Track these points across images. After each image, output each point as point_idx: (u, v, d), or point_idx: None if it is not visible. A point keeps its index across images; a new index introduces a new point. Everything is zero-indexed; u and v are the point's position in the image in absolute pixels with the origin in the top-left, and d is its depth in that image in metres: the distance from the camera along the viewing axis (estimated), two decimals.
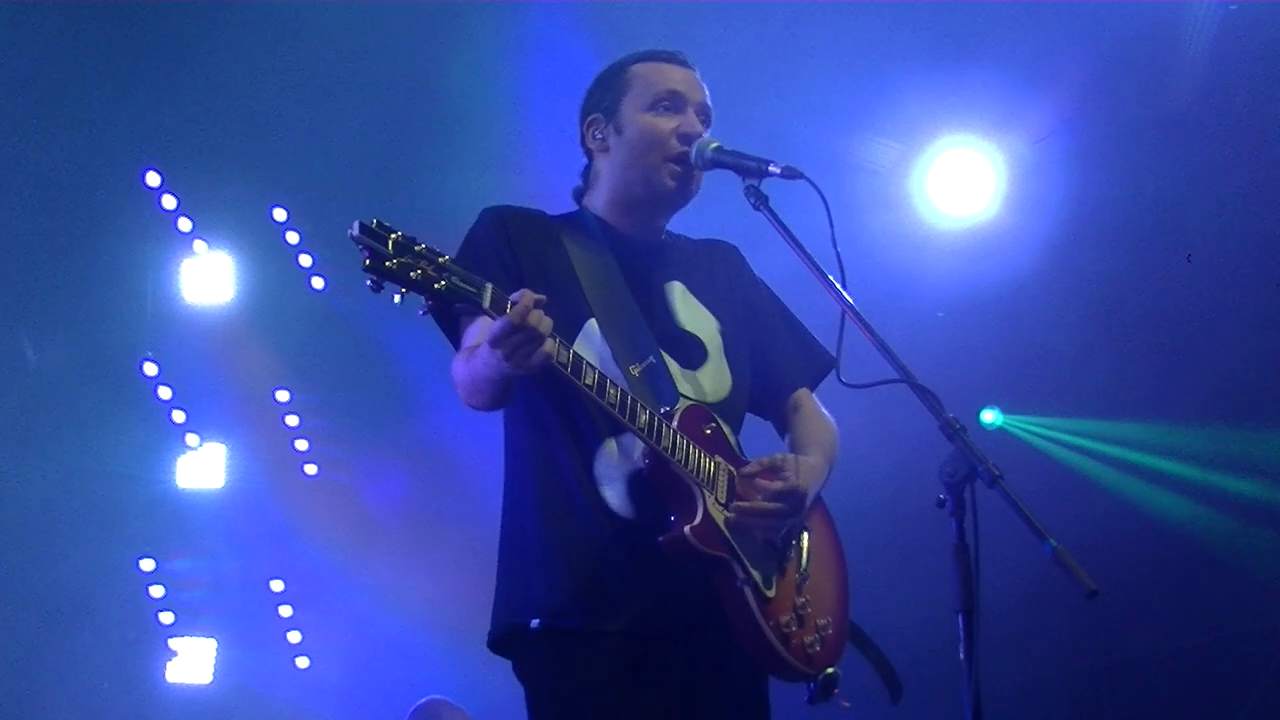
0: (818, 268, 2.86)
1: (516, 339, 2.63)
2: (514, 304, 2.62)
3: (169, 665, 7.09)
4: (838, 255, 2.90)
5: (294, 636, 7.34)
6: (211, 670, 7.12)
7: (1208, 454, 6.66)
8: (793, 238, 2.91)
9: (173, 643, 7.11)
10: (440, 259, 2.57)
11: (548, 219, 3.22)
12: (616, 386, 2.82)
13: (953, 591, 2.51)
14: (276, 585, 7.31)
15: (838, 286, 2.84)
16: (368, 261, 2.49)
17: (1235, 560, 6.60)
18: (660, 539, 2.86)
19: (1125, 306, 6.77)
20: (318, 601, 7.33)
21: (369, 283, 2.52)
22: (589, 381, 2.77)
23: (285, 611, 7.34)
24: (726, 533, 2.89)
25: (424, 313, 2.67)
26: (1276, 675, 6.56)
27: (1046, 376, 6.92)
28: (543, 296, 2.65)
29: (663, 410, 2.92)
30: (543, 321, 2.63)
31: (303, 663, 7.33)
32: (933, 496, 2.56)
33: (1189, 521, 6.70)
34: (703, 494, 2.88)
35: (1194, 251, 6.50)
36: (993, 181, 6.89)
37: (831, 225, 2.91)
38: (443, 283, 2.55)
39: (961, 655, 2.47)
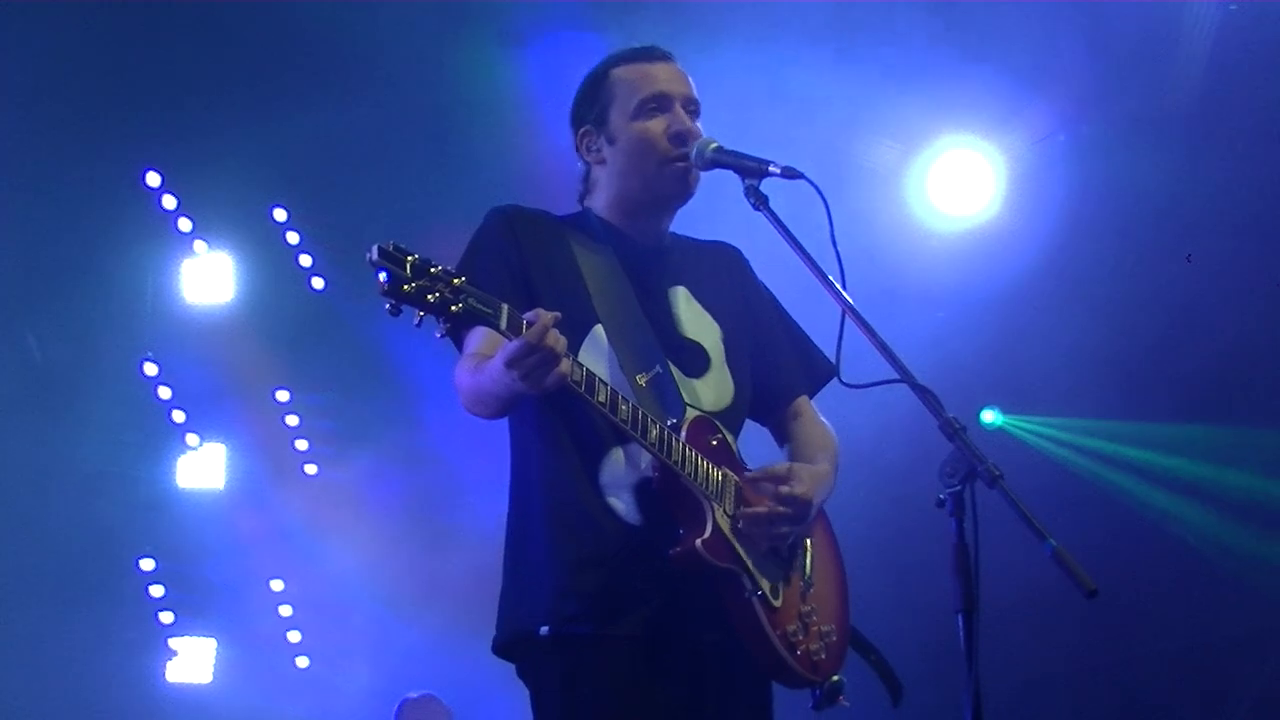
0: (818, 268, 2.86)
1: (533, 360, 2.63)
2: (529, 324, 2.62)
3: (169, 665, 7.10)
4: (838, 255, 2.89)
5: (294, 636, 7.34)
6: (211, 670, 7.13)
7: (1208, 453, 6.66)
8: (793, 238, 2.91)
9: (173, 643, 7.11)
10: (456, 280, 2.56)
11: (554, 219, 3.21)
12: (628, 402, 2.82)
13: (953, 591, 2.50)
14: (276, 585, 7.32)
15: (838, 286, 2.83)
16: (386, 286, 2.49)
17: (1234, 560, 6.59)
18: (670, 552, 2.86)
19: (1125, 306, 6.76)
20: (318, 601, 7.33)
21: (387, 306, 2.52)
22: (602, 399, 2.78)
23: (285, 611, 7.34)
24: (735, 544, 2.89)
25: (441, 335, 2.67)
26: (1276, 675, 6.56)
27: (1046, 376, 6.92)
28: (558, 314, 2.65)
29: (670, 422, 2.92)
30: (559, 341, 2.63)
31: (303, 663, 7.33)
32: (933, 496, 2.56)
33: (1189, 521, 6.69)
34: (712, 506, 2.89)
35: (1194, 251, 6.50)
36: (993, 182, 6.89)
37: (831, 225, 2.90)
38: (459, 305, 2.56)
39: (962, 655, 2.47)
